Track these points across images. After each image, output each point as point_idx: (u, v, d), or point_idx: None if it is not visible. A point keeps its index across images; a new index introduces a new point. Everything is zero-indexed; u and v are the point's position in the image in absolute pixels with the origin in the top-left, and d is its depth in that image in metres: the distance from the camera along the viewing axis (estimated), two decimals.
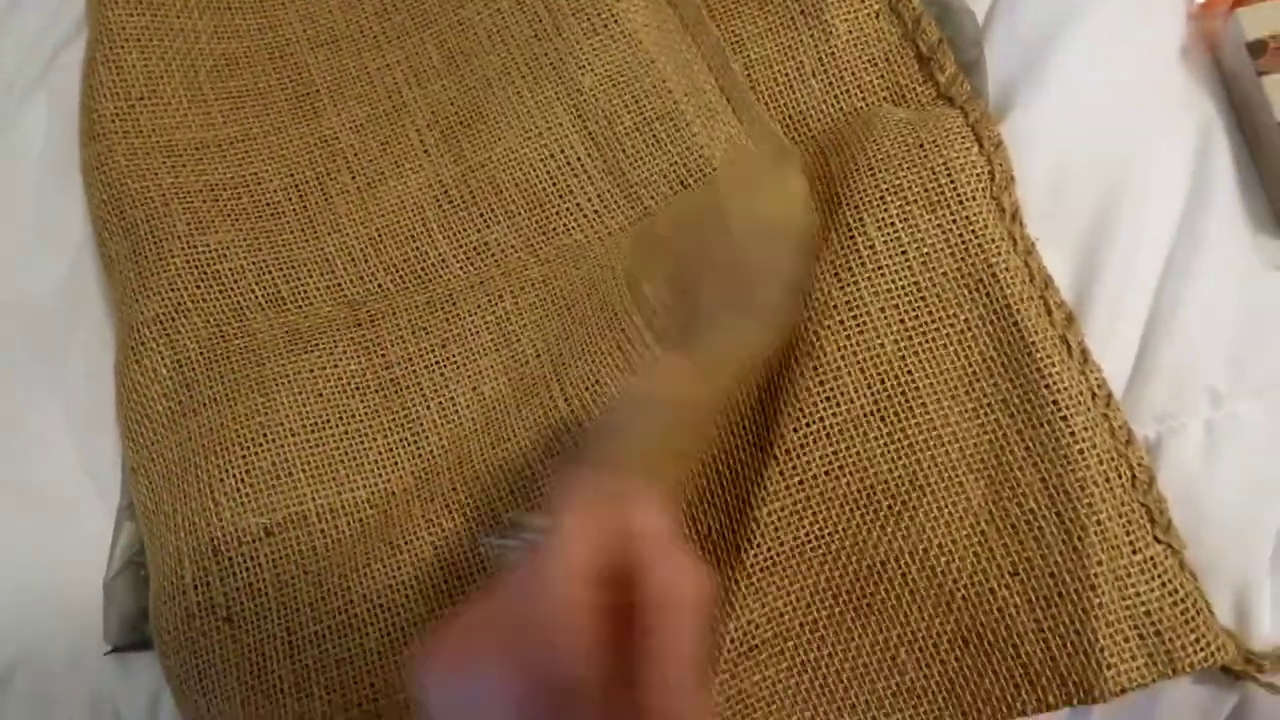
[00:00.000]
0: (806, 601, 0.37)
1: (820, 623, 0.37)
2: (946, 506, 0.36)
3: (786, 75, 0.43)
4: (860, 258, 0.37)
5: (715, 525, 0.37)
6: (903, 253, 0.37)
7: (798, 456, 0.36)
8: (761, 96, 0.43)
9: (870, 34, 0.42)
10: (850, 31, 0.43)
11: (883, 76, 0.42)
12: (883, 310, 0.37)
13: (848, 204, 0.38)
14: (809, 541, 0.36)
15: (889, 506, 0.36)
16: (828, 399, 0.36)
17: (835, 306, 0.37)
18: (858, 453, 0.36)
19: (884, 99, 0.42)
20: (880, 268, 0.37)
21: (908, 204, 0.37)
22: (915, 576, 0.36)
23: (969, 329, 0.37)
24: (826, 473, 0.36)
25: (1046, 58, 0.41)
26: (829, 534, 0.36)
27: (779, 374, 0.37)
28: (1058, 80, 0.41)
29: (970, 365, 0.36)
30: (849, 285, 0.37)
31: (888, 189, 0.38)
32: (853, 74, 0.42)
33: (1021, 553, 0.35)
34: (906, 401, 0.36)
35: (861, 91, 0.42)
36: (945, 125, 0.38)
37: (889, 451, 0.36)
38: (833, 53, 0.43)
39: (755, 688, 0.37)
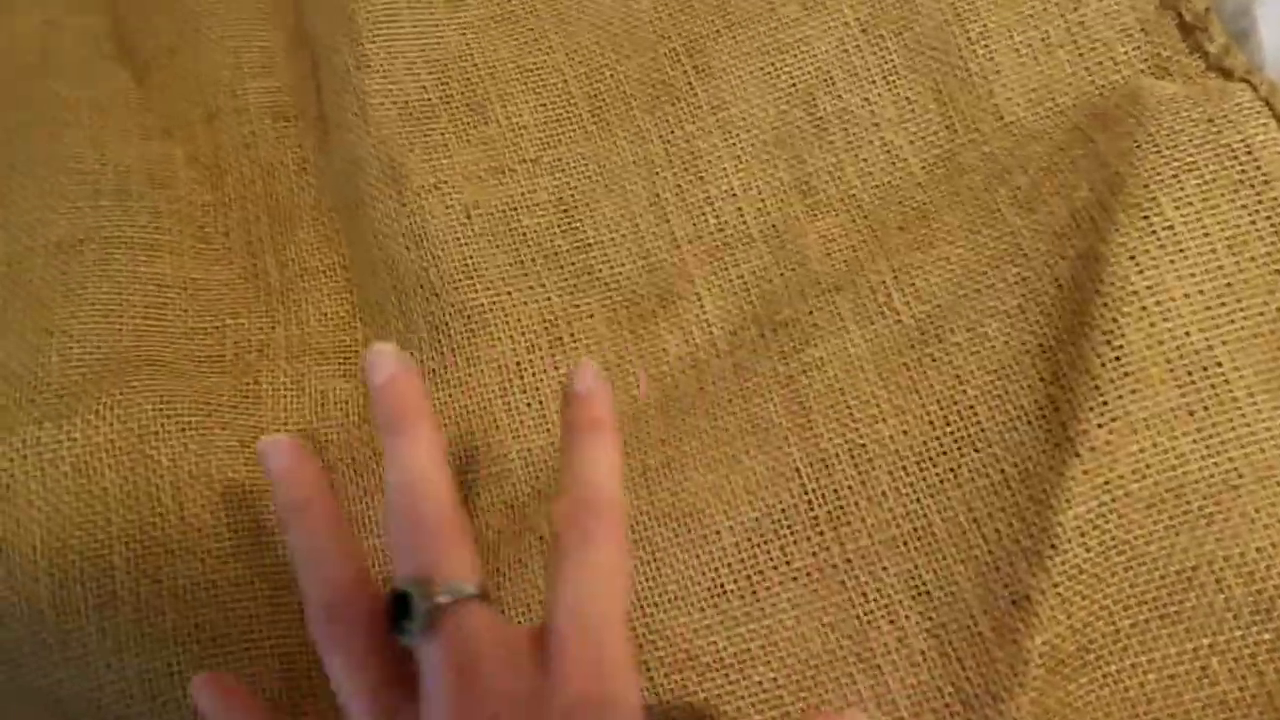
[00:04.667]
0: (1111, 611, 0.34)
1: (1124, 633, 0.34)
2: (1264, 508, 0.33)
3: (1030, 45, 0.40)
4: (1159, 240, 0.34)
5: (1007, 530, 0.34)
6: (1205, 234, 0.34)
7: (1103, 455, 0.33)
8: (1000, 67, 0.40)
9: (1124, 2, 0.40)
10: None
11: (1139, 48, 0.39)
12: (1187, 296, 0.34)
13: (1134, 182, 0.35)
14: (1115, 547, 0.34)
15: (1200, 508, 0.34)
16: (1133, 392, 0.34)
17: (1135, 292, 0.34)
18: (1166, 450, 0.34)
19: (1142, 72, 0.39)
20: (1182, 250, 0.34)
21: (1205, 183, 0.35)
22: (1230, 582, 0.34)
23: None
24: (1133, 472, 0.34)
25: None
26: (1136, 538, 0.34)
27: (1072, 363, 0.35)
28: None
29: None
30: (1149, 270, 0.34)
31: (1181, 167, 0.35)
32: (1105, 45, 0.40)
33: None
34: (1216, 396, 0.34)
35: (1116, 64, 0.39)
36: (1234, 100, 0.36)
37: (1199, 449, 0.34)
38: (1082, 21, 0.40)
39: (1059, 705, 0.34)
